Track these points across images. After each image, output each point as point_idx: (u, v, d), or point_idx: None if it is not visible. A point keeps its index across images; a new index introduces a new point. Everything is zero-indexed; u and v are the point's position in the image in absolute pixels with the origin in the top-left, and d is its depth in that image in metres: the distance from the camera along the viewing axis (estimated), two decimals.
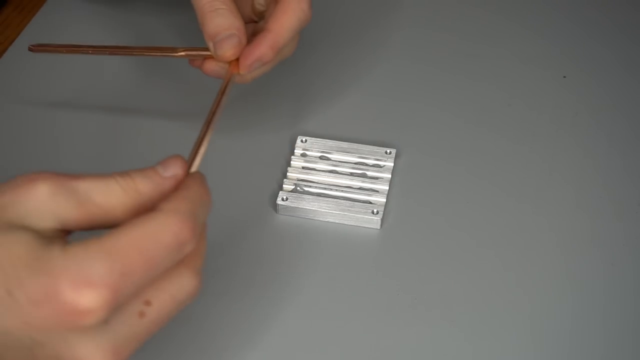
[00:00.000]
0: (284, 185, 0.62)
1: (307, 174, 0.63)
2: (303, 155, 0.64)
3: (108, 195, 0.39)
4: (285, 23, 0.56)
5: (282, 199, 0.61)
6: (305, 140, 0.65)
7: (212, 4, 0.54)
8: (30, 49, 0.63)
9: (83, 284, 0.36)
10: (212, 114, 0.49)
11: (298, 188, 0.62)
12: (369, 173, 0.63)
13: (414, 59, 0.74)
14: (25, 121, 0.68)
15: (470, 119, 0.69)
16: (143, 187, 0.40)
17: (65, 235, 0.40)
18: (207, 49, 0.56)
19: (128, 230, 0.38)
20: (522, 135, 0.68)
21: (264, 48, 0.55)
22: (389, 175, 0.63)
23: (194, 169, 0.45)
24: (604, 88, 0.72)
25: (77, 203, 0.39)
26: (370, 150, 0.64)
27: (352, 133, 0.67)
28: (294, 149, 0.65)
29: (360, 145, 0.65)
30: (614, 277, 0.58)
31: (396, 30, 0.77)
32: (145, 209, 0.40)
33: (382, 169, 0.63)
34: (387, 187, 0.62)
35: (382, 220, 0.61)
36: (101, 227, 0.40)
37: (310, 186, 0.62)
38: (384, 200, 0.61)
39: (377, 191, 0.62)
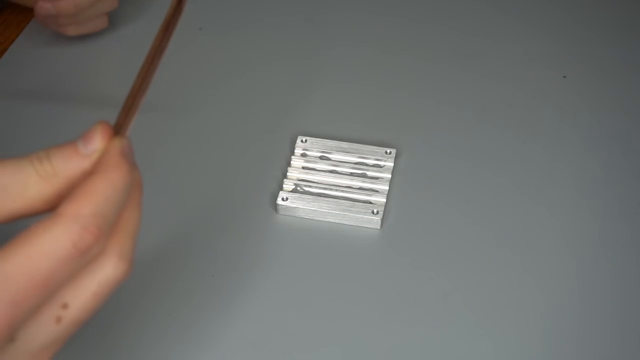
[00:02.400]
0: (284, 185, 0.62)
1: (307, 174, 0.63)
2: (303, 155, 0.64)
3: (24, 185, 0.36)
4: None
5: (282, 199, 0.61)
6: (305, 140, 0.65)
7: None
8: None
9: None
10: (154, 53, 0.40)
11: (298, 188, 0.62)
12: (369, 173, 0.63)
13: (414, 59, 0.74)
14: (24, 121, 0.68)
15: (470, 118, 0.69)
16: (62, 169, 0.37)
17: None
18: None
19: (18, 251, 0.35)
20: (523, 135, 0.68)
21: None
22: (389, 175, 0.63)
23: (123, 131, 0.38)
24: (604, 88, 0.72)
25: None
26: (370, 150, 0.64)
27: (352, 133, 0.67)
28: (294, 149, 0.65)
29: (360, 145, 0.65)
30: (615, 277, 0.58)
31: (396, 30, 0.77)
32: (66, 194, 0.37)
33: (382, 169, 0.63)
34: (387, 187, 0.62)
35: (382, 220, 0.61)
36: (19, 218, 0.37)
37: (310, 186, 0.62)
38: (384, 200, 0.61)
39: (377, 191, 0.62)
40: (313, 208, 0.61)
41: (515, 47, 0.75)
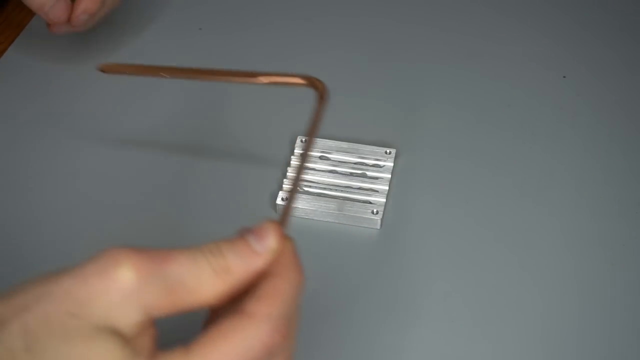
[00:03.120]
0: (283, 185, 0.62)
1: (306, 174, 0.63)
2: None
3: (199, 279, 0.37)
4: None
5: (282, 199, 0.61)
6: (305, 140, 0.65)
7: None
8: (101, 70, 0.59)
9: None
10: (304, 157, 0.43)
11: (298, 188, 0.62)
12: (369, 173, 0.63)
13: (413, 59, 0.74)
14: (24, 122, 0.68)
15: (470, 119, 0.69)
16: (235, 265, 0.37)
17: (150, 325, 0.37)
18: (291, 75, 0.53)
19: (214, 349, 0.36)
20: (522, 135, 0.68)
21: (86, 1, 0.66)
22: (389, 175, 0.63)
23: (286, 229, 0.40)
24: (604, 88, 0.72)
25: (167, 291, 0.36)
26: (370, 150, 0.64)
27: (352, 133, 0.67)
28: (294, 149, 0.65)
29: (360, 145, 0.65)
30: (614, 277, 0.58)
31: (396, 30, 0.77)
32: (236, 290, 0.38)
33: (381, 169, 0.63)
34: (387, 187, 0.62)
35: (382, 220, 0.61)
36: (188, 311, 0.37)
37: (309, 186, 0.62)
38: (384, 200, 0.61)
39: (376, 191, 0.62)
40: (313, 208, 0.61)
41: (515, 47, 0.75)
